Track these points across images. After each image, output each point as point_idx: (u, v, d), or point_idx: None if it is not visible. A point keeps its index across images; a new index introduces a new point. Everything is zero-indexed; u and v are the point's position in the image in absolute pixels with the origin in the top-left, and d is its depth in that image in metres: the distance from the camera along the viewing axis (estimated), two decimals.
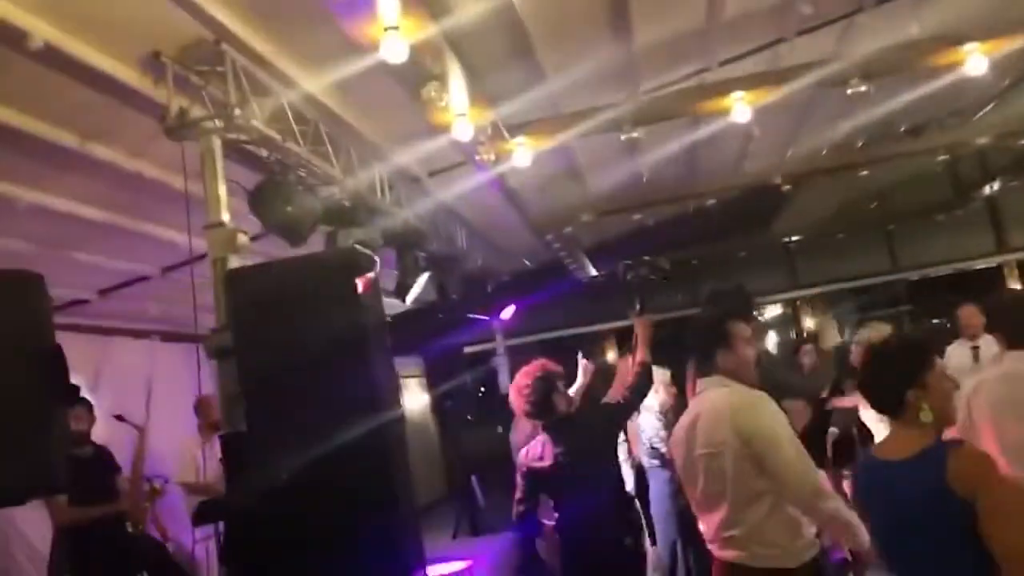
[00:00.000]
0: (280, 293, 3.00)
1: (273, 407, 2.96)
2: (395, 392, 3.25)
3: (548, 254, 8.95)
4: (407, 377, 12.30)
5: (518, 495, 4.17)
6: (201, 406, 6.51)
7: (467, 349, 10.85)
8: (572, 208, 7.67)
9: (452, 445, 9.46)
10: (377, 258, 3.24)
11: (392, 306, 6.03)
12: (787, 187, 7.96)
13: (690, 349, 3.42)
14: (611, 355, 12.72)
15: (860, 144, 8.55)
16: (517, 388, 4.13)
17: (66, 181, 4.78)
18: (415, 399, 12.38)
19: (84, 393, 5.99)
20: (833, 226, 11.44)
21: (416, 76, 4.00)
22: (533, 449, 4.18)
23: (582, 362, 5.20)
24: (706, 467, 3.12)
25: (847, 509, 2.97)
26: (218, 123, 3.87)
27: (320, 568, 2.92)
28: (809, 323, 12.92)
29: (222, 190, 3.86)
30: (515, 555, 5.03)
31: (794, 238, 11.87)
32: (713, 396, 3.19)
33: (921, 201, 11.03)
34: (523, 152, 5.21)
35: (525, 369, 4.18)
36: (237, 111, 3.84)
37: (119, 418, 6.21)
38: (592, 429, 4.14)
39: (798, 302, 13.05)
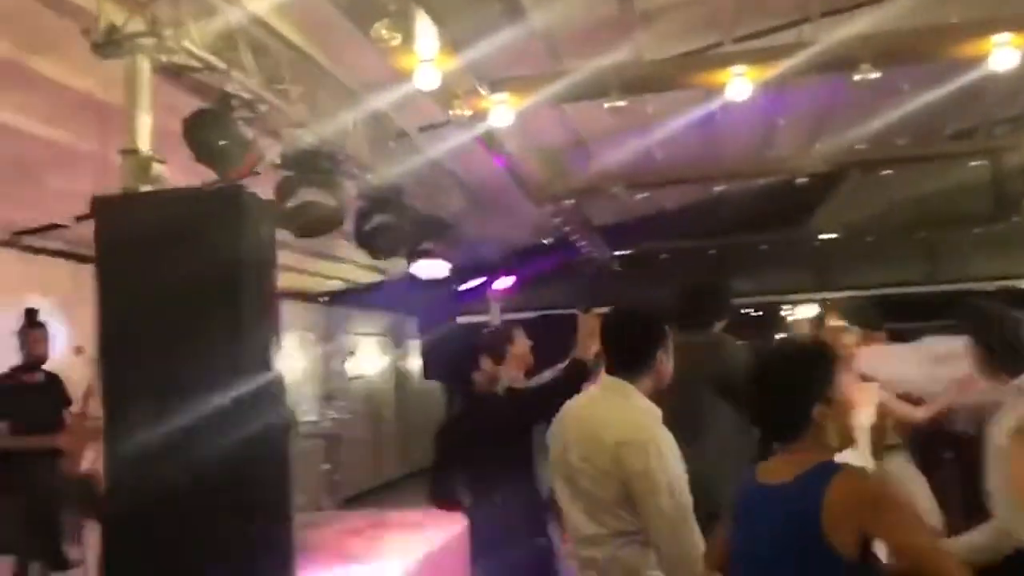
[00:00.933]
0: (150, 228, 2.72)
1: (128, 360, 2.68)
2: (265, 356, 2.90)
3: (555, 229, 8.59)
4: (365, 335, 12.13)
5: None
6: None
7: (459, 319, 10.55)
8: (576, 181, 7.29)
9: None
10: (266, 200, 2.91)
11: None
12: (803, 180, 7.46)
13: (621, 339, 2.92)
14: None
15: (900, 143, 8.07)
16: None
17: (16, 99, 4.56)
18: (374, 361, 12.17)
19: (53, 320, 5.88)
20: (869, 229, 10.89)
21: (368, 10, 3.67)
22: None
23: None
24: (584, 482, 2.71)
25: None
26: (147, 41, 3.58)
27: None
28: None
29: (143, 115, 3.57)
30: None
31: (827, 236, 11.32)
32: (603, 403, 2.79)
33: (962, 212, 10.42)
34: (504, 110, 4.85)
35: None
36: (169, 30, 3.56)
37: (79, 350, 6.04)
38: (498, 414, 3.87)
39: (827, 304, 12.50)
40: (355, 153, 5.22)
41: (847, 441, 2.13)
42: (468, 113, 4.72)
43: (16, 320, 5.59)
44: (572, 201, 7.55)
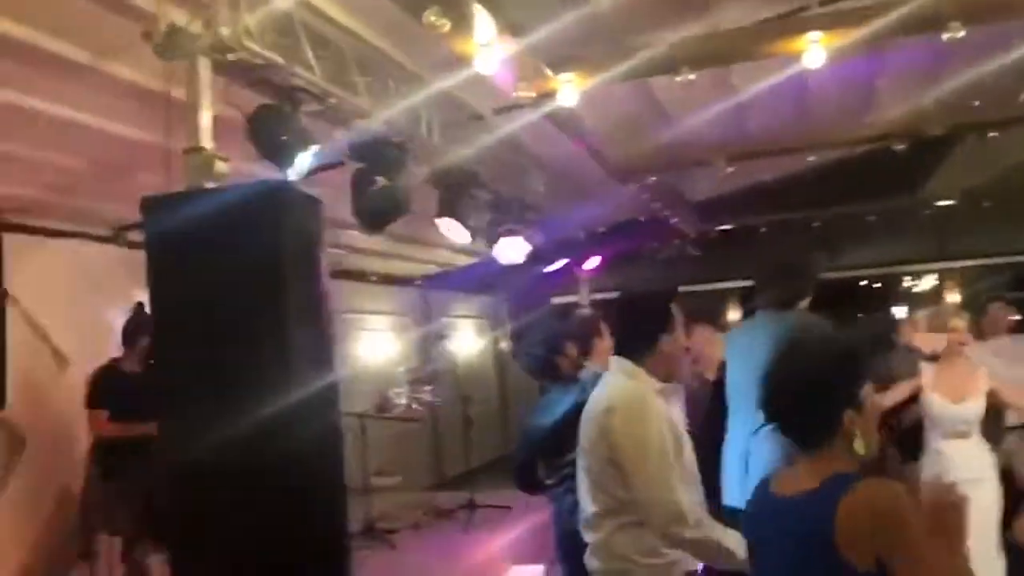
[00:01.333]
0: (195, 226, 2.78)
1: (181, 354, 2.75)
2: (314, 348, 2.94)
3: (644, 206, 8.39)
4: (462, 318, 12.15)
5: None
6: None
7: (554, 300, 10.48)
8: (662, 156, 7.09)
9: None
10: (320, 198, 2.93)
11: None
12: (902, 146, 7.02)
13: (622, 324, 2.93)
14: (734, 315, 12.01)
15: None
16: None
17: (101, 101, 4.74)
18: (472, 343, 12.21)
19: None
20: (988, 194, 10.20)
21: None
22: None
23: None
24: (585, 459, 2.81)
25: (718, 529, 2.60)
26: (206, 41, 3.66)
27: None
28: (955, 299, 11.71)
29: (205, 114, 3.66)
30: None
31: (944, 203, 10.68)
32: (608, 382, 2.84)
33: None
34: (570, 90, 4.74)
35: None
36: (227, 29, 3.62)
37: None
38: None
39: (944, 274, 11.86)
40: (426, 138, 5.21)
41: (873, 450, 1.94)
42: (533, 95, 4.63)
43: (122, 313, 5.87)
44: (655, 178, 7.35)
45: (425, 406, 8.85)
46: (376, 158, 4.75)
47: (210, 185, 3.54)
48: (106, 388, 5.52)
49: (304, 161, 4.04)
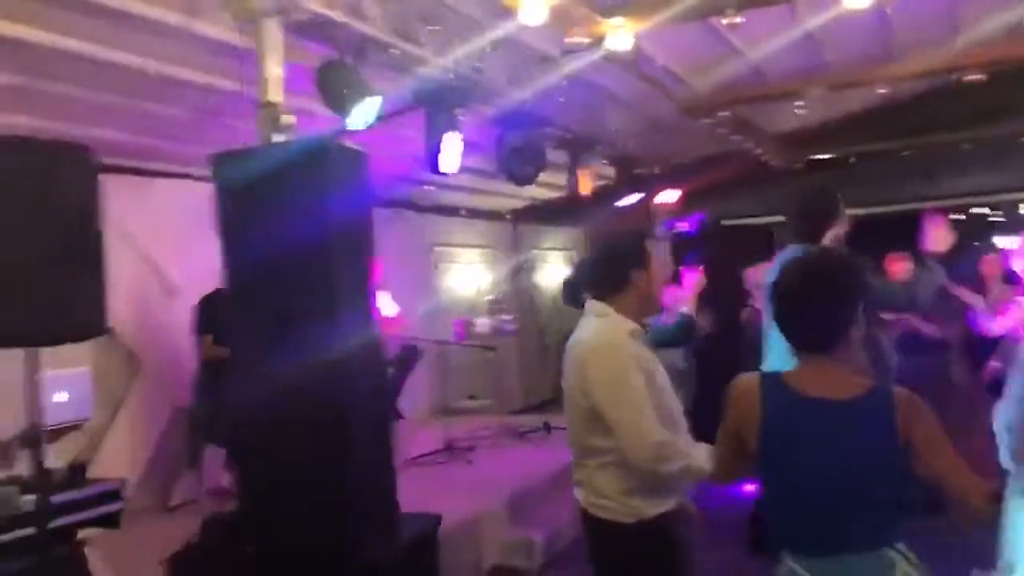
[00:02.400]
0: (255, 181, 3.17)
1: (245, 300, 3.16)
2: (358, 294, 3.32)
3: (723, 139, 8.40)
4: (551, 250, 12.32)
5: None
6: None
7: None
8: (735, 90, 7.11)
9: None
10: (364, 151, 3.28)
11: None
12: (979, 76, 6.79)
13: (594, 262, 3.00)
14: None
15: None
16: None
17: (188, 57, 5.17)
18: (560, 275, 12.28)
19: None
20: None
21: None
22: None
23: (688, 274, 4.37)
24: (568, 401, 2.88)
25: (698, 455, 2.68)
26: (273, 3, 4.02)
27: None
28: None
29: (275, 70, 4.05)
30: None
31: None
32: (585, 325, 2.89)
33: None
34: (622, 34, 4.90)
35: None
36: None
37: None
38: None
39: None
40: (491, 82, 5.47)
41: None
42: (586, 40, 4.81)
43: None
44: (727, 113, 7.38)
45: (506, 335, 9.24)
46: (439, 104, 5.05)
47: (278, 137, 3.96)
48: (210, 315, 6.05)
49: (367, 111, 4.38)
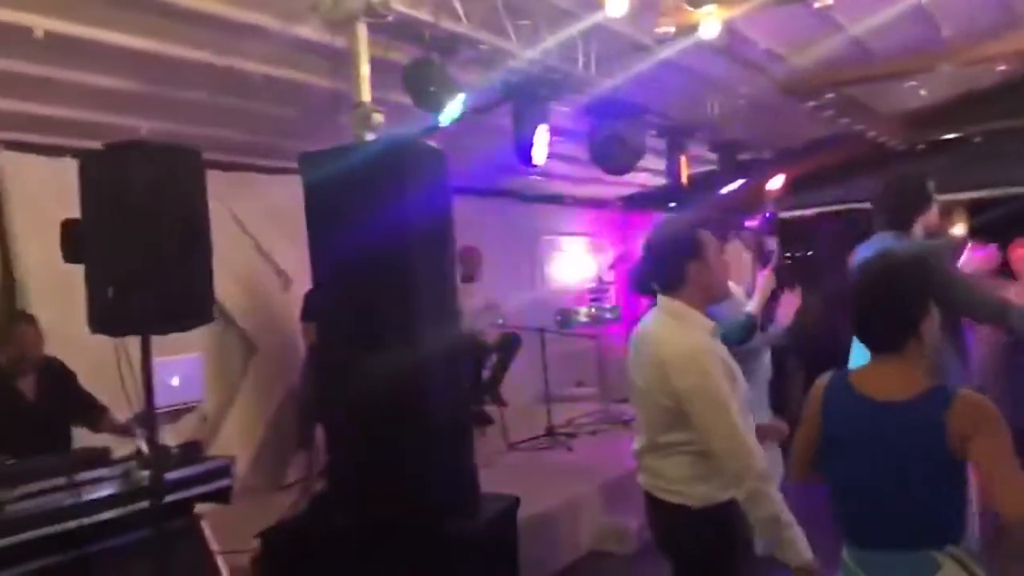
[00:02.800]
0: (339, 180, 3.35)
1: (334, 292, 3.36)
2: (439, 289, 3.46)
3: (831, 122, 8.14)
4: None
5: None
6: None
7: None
8: (839, 67, 6.89)
9: None
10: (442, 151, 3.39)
11: None
12: None
13: (649, 259, 2.89)
14: (958, 230, 11.32)
15: None
16: None
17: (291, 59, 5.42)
18: None
19: None
20: None
21: None
22: None
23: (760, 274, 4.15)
24: (639, 397, 2.87)
25: (788, 514, 2.58)
26: (362, 6, 4.20)
27: None
28: None
29: (364, 70, 4.24)
30: None
31: None
32: (660, 321, 2.81)
33: None
34: (711, 22, 4.86)
35: None
36: None
37: None
38: None
39: None
40: (582, 72, 5.51)
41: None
42: (672, 30, 4.80)
43: None
44: (832, 95, 7.15)
45: (607, 323, 9.26)
46: (529, 97, 5.14)
47: (369, 136, 4.15)
48: (316, 303, 6.39)
49: (454, 108, 4.52)
